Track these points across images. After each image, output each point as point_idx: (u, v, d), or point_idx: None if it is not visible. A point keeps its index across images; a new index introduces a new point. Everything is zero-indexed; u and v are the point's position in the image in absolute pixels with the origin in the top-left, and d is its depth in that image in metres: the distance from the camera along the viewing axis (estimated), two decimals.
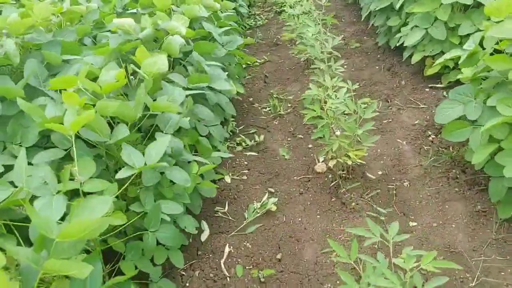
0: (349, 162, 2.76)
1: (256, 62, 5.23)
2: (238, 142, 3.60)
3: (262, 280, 2.30)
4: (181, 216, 2.31)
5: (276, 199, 2.87)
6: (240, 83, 4.20)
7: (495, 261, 2.23)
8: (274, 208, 2.78)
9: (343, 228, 2.60)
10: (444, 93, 3.78)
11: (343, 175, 2.97)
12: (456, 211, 2.58)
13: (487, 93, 2.51)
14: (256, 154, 3.45)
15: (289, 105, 4.18)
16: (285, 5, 5.65)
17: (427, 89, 3.92)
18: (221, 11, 4.35)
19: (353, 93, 3.22)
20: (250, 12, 7.03)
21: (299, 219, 2.74)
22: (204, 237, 2.62)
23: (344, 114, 2.88)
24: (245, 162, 3.36)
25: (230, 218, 2.79)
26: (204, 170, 2.44)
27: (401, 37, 4.09)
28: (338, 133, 2.70)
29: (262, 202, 2.82)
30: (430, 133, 3.37)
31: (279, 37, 5.96)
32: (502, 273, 2.16)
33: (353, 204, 2.73)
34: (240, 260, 2.45)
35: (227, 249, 2.52)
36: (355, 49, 5.15)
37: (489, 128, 2.31)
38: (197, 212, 2.60)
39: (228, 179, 3.12)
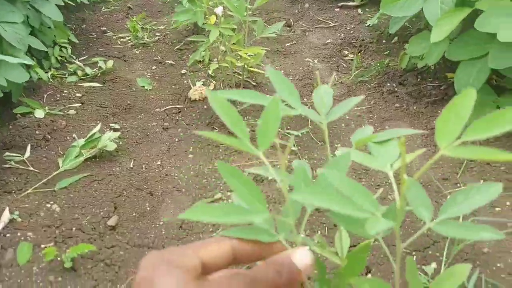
0: (239, 64, 1.68)
1: None
2: (72, 71, 2.32)
3: (68, 266, 1.11)
4: None
5: (119, 134, 1.68)
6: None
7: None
8: (113, 147, 1.59)
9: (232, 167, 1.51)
10: (359, 10, 2.92)
11: None
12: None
13: None
14: (100, 85, 2.21)
15: (158, 34, 3.00)
16: None
17: (336, 9, 3.04)
18: None
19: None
20: None
21: (158, 163, 1.59)
22: None
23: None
24: (78, 95, 2.10)
25: (32, 168, 1.53)
26: None
27: None
28: (219, 9, 1.62)
29: (90, 136, 1.61)
30: (346, 52, 2.45)
31: None
32: (507, 203, 1.26)
33: (247, 130, 1.66)
34: (32, 234, 1.22)
35: (6, 216, 1.27)
36: None
37: None
38: None
39: (40, 113, 1.84)
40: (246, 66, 1.75)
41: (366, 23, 2.66)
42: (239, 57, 1.75)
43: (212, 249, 0.39)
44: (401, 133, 0.67)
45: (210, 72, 1.94)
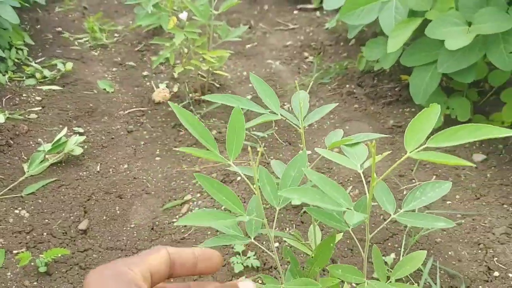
0: (204, 68, 1.72)
1: None
2: (30, 73, 2.26)
3: (43, 270, 1.10)
4: None
5: (84, 138, 1.67)
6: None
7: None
8: (79, 151, 1.58)
9: (200, 168, 1.55)
10: (318, 13, 3.02)
11: (197, 97, 1.92)
12: (361, 131, 1.74)
13: None
14: (60, 88, 2.17)
15: (117, 35, 2.96)
16: None
17: (295, 12, 3.12)
18: None
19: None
20: None
21: (125, 166, 1.60)
22: None
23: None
24: (38, 98, 2.06)
25: None
26: None
27: None
28: (183, 15, 1.64)
29: (56, 141, 1.59)
30: (307, 54, 2.54)
31: None
32: (457, 197, 1.37)
33: (214, 132, 1.70)
34: (2, 240, 1.21)
35: None
36: None
37: None
38: None
39: (0, 117, 1.79)
40: (210, 69, 1.78)
41: (325, 26, 2.76)
42: (203, 60, 1.78)
43: (155, 258, 0.38)
44: (370, 137, 0.75)
45: (175, 75, 1.95)
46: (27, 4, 2.50)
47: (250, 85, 2.18)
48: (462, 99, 1.60)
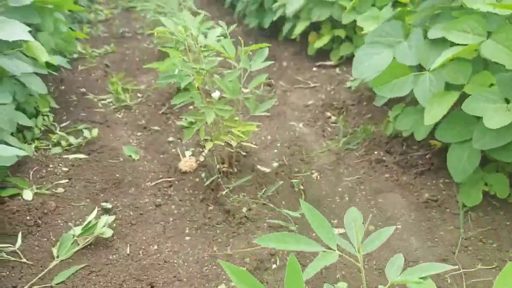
0: (234, 144, 1.70)
1: (94, 51, 3.94)
2: (56, 141, 2.28)
3: None
4: None
5: (114, 217, 1.65)
6: (64, 57, 2.90)
7: (479, 273, 1.37)
8: (109, 233, 1.56)
9: (232, 251, 1.50)
10: (337, 70, 3.04)
11: (224, 169, 1.90)
12: (395, 205, 1.70)
13: (422, 28, 1.74)
14: (86, 156, 2.18)
15: (140, 95, 3.00)
16: None
17: (314, 69, 3.15)
18: None
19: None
20: (90, 7, 5.71)
21: (155, 247, 1.56)
22: None
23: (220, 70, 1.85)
24: (65, 169, 2.06)
25: (25, 260, 1.47)
26: None
27: (278, 9, 3.29)
28: (216, 93, 1.66)
29: (86, 224, 1.57)
30: (329, 114, 2.53)
31: (126, 29, 4.77)
32: None
33: (244, 210, 1.67)
34: None
35: None
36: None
37: (443, 67, 1.51)
38: None
39: (29, 194, 1.79)
40: (240, 135, 1.77)
41: (346, 84, 2.76)
42: (231, 132, 1.77)
43: None
44: (434, 271, 0.70)
45: (205, 151, 1.96)
46: (54, 73, 2.54)
47: (275, 150, 2.17)
48: (500, 175, 1.55)
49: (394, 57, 1.74)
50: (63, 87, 3.06)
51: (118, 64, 3.70)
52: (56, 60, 2.32)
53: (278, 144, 2.21)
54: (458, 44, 1.45)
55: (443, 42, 1.55)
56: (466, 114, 1.47)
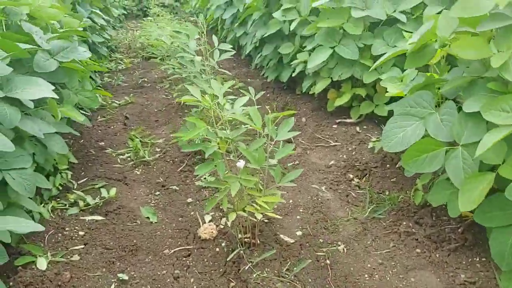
0: (258, 216, 1.63)
1: (114, 103, 3.98)
2: (73, 201, 2.24)
3: None
4: None
5: None
6: (85, 113, 2.90)
7: None
8: None
9: None
10: (357, 128, 3.00)
11: (246, 239, 1.82)
12: (428, 285, 1.59)
13: (454, 98, 1.69)
14: (102, 218, 2.12)
15: (158, 149, 2.98)
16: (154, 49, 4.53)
17: (334, 126, 3.11)
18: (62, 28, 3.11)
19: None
20: (111, 56, 5.86)
21: None
22: None
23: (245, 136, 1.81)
24: (81, 232, 2.00)
25: None
26: None
27: (297, 65, 3.31)
28: (240, 163, 1.61)
29: None
30: (351, 175, 2.46)
31: (146, 79, 4.85)
32: None
33: None
34: None
35: None
36: (239, 90, 4.27)
37: (475, 143, 1.44)
38: None
39: (43, 263, 1.72)
40: (265, 207, 1.70)
41: (368, 144, 2.71)
42: (253, 201, 1.71)
43: None
44: None
45: (228, 223, 1.90)
46: (77, 133, 2.53)
47: (298, 216, 2.09)
48: None
49: (425, 130, 1.69)
50: (82, 141, 3.06)
51: (137, 115, 3.72)
52: (80, 119, 2.31)
53: (301, 210, 2.13)
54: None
55: (478, 117, 1.49)
56: (504, 198, 1.39)
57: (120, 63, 5.58)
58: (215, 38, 2.74)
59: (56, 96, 1.81)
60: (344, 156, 2.68)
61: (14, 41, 2.16)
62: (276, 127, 1.70)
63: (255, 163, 1.62)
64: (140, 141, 3.10)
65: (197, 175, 2.54)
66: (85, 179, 2.54)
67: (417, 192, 2.01)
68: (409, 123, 1.82)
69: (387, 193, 2.23)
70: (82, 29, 3.46)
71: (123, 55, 6.10)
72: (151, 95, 4.31)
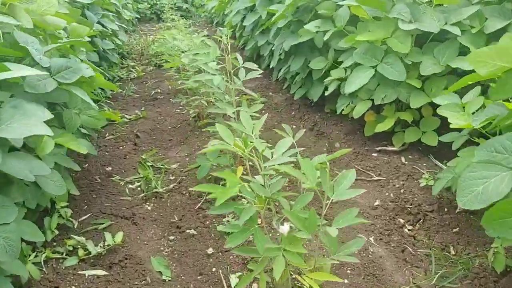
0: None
1: (124, 118, 3.62)
2: (72, 248, 1.87)
3: None
4: None
5: None
6: (89, 140, 2.53)
7: None
8: None
9: None
10: (402, 159, 2.59)
11: None
12: None
13: None
14: (105, 273, 1.75)
15: (172, 178, 2.61)
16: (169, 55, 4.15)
17: (374, 154, 2.71)
18: (67, 38, 2.76)
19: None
20: (122, 63, 5.52)
21: None
22: None
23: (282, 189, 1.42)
24: None
25: None
26: None
27: (330, 83, 2.91)
28: (284, 228, 1.22)
29: None
30: (402, 220, 2.06)
31: (159, 90, 4.49)
32: None
33: None
34: None
35: None
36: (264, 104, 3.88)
37: None
38: None
39: None
40: (313, 285, 1.32)
41: (419, 181, 2.30)
42: (299, 272, 1.32)
43: None
44: None
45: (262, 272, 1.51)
46: (77, 167, 2.16)
47: (346, 280, 1.69)
48: None
49: None
50: (86, 165, 2.70)
51: (149, 133, 3.35)
52: (84, 147, 1.95)
53: (349, 271, 1.73)
54: None
55: None
56: None
57: (132, 71, 5.24)
58: (239, 56, 2.36)
59: (50, 133, 1.43)
60: (391, 194, 2.27)
61: (4, 55, 1.81)
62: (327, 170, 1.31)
63: (305, 230, 1.22)
64: (152, 166, 2.73)
65: (218, 215, 2.15)
66: (87, 216, 2.17)
67: (497, 256, 1.60)
68: (493, 174, 1.41)
69: (451, 249, 1.82)
70: (89, 38, 3.12)
71: (135, 62, 5.76)
72: (165, 108, 3.95)
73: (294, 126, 3.36)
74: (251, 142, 1.31)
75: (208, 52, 2.22)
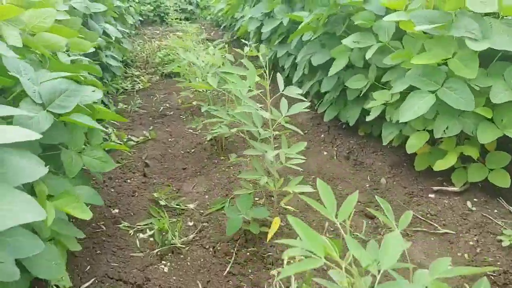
0: None
1: (131, 140, 3.20)
2: None
3: None
4: None
5: None
6: (94, 187, 2.11)
7: None
8: None
9: None
10: (468, 203, 2.16)
11: None
12: None
13: None
14: None
15: (191, 223, 2.18)
16: (178, 62, 3.71)
17: (431, 195, 2.28)
18: (68, 54, 2.33)
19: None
20: (126, 72, 5.09)
21: None
22: None
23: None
24: None
25: None
26: None
27: (374, 108, 2.49)
28: None
29: None
30: None
31: (167, 105, 4.07)
32: None
33: None
34: None
35: None
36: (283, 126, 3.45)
37: None
38: None
39: None
40: None
41: (496, 236, 1.88)
42: None
43: None
44: None
45: None
46: (81, 234, 1.73)
47: None
48: None
49: None
50: (89, 206, 2.26)
51: (160, 160, 2.92)
52: (86, 215, 1.52)
53: None
54: None
55: None
56: None
57: (136, 81, 4.81)
58: (279, 77, 1.92)
59: (43, 217, 1.00)
60: (465, 254, 1.84)
61: None
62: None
63: None
64: (166, 205, 2.30)
65: (256, 284, 1.72)
66: (91, 281, 1.74)
67: None
68: None
69: None
70: (93, 49, 2.69)
71: (140, 70, 5.33)
72: (175, 127, 3.53)
73: (325, 153, 2.93)
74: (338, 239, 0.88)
75: (244, 76, 1.79)
